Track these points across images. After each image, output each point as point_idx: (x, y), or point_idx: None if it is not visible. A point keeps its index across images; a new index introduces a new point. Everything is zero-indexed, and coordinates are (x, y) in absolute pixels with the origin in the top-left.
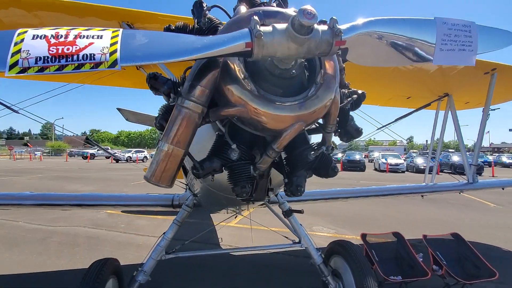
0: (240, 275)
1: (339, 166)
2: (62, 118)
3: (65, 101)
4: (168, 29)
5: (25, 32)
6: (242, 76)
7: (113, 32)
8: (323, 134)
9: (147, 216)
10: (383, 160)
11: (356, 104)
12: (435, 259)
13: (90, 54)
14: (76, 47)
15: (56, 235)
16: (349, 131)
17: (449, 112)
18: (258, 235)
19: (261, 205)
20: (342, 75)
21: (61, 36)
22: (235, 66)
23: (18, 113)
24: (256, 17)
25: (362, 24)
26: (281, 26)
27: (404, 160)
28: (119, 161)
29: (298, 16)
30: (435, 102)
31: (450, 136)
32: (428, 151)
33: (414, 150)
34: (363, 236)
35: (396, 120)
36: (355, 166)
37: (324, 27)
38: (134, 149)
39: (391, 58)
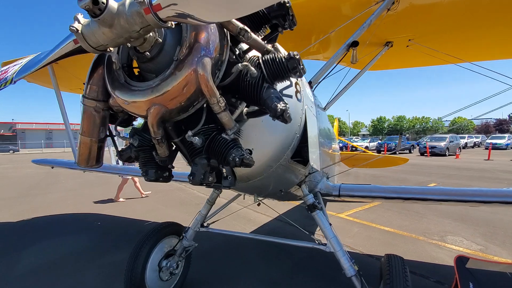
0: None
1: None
2: None
3: None
4: None
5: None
6: (116, 67)
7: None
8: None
9: None
10: None
11: (277, 73)
12: None
13: (4, 77)
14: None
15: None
16: (256, 111)
17: None
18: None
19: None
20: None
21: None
22: (113, 59)
23: None
24: (79, 14)
25: None
26: None
27: None
28: None
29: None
30: None
31: None
32: None
33: None
34: (461, 260)
35: None
36: None
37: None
38: None
39: None
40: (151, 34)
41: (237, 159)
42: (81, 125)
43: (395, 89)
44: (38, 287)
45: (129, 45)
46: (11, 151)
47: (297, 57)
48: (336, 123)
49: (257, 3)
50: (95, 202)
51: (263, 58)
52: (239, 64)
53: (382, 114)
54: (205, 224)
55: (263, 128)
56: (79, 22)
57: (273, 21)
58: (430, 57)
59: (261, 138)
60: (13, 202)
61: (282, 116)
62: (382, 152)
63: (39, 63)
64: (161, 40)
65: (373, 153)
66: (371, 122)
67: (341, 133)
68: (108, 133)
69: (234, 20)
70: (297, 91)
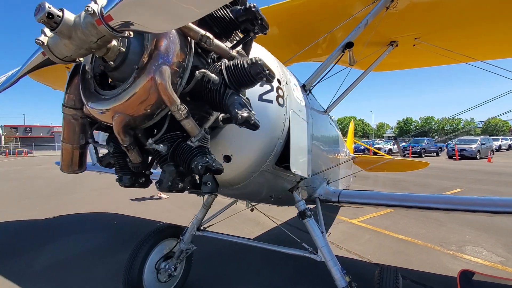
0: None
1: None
2: None
3: None
4: None
5: None
6: (88, 76)
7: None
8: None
9: None
10: None
11: (238, 81)
12: None
13: None
14: None
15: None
16: (230, 117)
17: None
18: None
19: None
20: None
21: None
22: (86, 68)
23: None
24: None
25: None
26: None
27: None
28: None
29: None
30: None
31: None
32: None
33: None
34: (465, 274)
35: None
36: None
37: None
38: None
39: None
40: (114, 43)
41: (200, 167)
42: (62, 132)
43: (421, 88)
44: (50, 283)
45: (97, 55)
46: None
47: (260, 62)
48: (351, 125)
49: (201, 10)
50: (132, 200)
51: (226, 65)
52: (196, 72)
53: (409, 115)
54: (201, 228)
55: (242, 135)
56: (45, 35)
57: (242, 26)
58: (439, 56)
59: (240, 145)
60: (43, 200)
61: (247, 123)
62: (406, 156)
63: (13, 78)
64: (124, 49)
65: (387, 155)
66: (397, 124)
67: (365, 134)
68: (88, 140)
69: (194, 27)
70: (279, 96)
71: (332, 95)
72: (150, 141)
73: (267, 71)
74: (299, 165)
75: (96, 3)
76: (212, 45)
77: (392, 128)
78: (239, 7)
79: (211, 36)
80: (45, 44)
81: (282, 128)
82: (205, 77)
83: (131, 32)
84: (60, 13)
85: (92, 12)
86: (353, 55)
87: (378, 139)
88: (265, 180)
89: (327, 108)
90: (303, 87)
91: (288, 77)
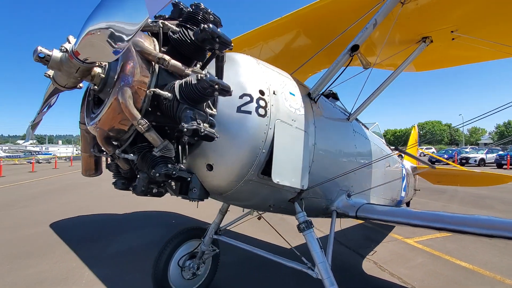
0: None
1: None
2: None
3: None
4: None
5: None
6: (89, 98)
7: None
8: None
9: None
10: None
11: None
12: None
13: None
14: None
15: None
16: (183, 130)
17: None
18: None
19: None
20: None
21: None
22: (89, 92)
23: None
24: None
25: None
26: None
27: None
28: None
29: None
30: None
31: None
32: None
33: None
34: None
35: None
36: None
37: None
38: None
39: None
40: (98, 70)
41: (158, 174)
42: (81, 144)
43: None
44: (117, 266)
45: (87, 81)
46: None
47: (205, 78)
48: (413, 132)
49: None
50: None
51: (180, 83)
52: (147, 91)
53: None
54: (219, 232)
55: (222, 145)
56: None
57: (205, 46)
58: (487, 50)
59: (221, 154)
60: (124, 199)
61: (197, 135)
62: (504, 167)
63: (40, 108)
64: (103, 75)
65: (462, 167)
66: (496, 128)
67: (453, 142)
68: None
69: (152, 51)
70: (259, 107)
71: (360, 100)
72: (117, 151)
73: (216, 86)
74: (285, 175)
75: (69, 42)
76: (169, 66)
77: (489, 133)
78: (197, 29)
79: (167, 58)
80: (51, 76)
81: (264, 138)
82: (159, 95)
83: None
84: (50, 53)
85: (65, 50)
86: (364, 58)
87: (469, 146)
88: (253, 189)
89: (350, 115)
90: (309, 95)
91: (279, 86)
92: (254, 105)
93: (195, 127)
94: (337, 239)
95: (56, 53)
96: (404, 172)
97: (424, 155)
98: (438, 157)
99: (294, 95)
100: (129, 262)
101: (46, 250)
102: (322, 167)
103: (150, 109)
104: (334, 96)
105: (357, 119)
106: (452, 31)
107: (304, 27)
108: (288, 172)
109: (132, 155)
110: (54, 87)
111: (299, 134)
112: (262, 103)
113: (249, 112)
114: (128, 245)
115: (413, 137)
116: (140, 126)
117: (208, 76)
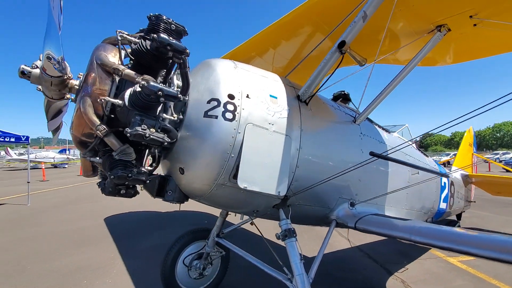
0: None
1: None
2: None
3: None
4: None
5: None
6: None
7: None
8: None
9: None
10: None
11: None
12: None
13: None
14: None
15: None
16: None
17: None
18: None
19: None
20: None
21: None
22: None
23: None
24: None
25: None
26: None
27: None
28: None
29: None
30: None
31: None
32: None
33: None
34: None
35: None
36: None
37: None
38: None
39: None
40: (75, 83)
41: (113, 177)
42: None
43: None
44: (144, 260)
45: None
46: None
47: (147, 85)
48: (467, 134)
49: None
50: None
51: (130, 91)
52: (99, 99)
53: None
54: (221, 235)
55: (190, 149)
56: None
57: (163, 55)
58: None
59: (190, 159)
60: None
61: (141, 139)
62: None
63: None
64: (77, 87)
65: None
66: None
67: None
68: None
69: (108, 62)
70: (227, 111)
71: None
72: (82, 154)
73: (159, 92)
74: (256, 180)
75: (40, 60)
76: (123, 75)
77: None
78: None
79: (121, 68)
80: (41, 90)
81: (232, 143)
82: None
83: (70, 75)
84: (31, 70)
85: (35, 67)
86: (357, 54)
87: None
88: (229, 194)
89: (357, 117)
90: (297, 97)
91: (256, 90)
92: (221, 109)
93: (138, 132)
94: (365, 251)
95: (36, 71)
96: (445, 180)
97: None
98: (493, 162)
99: (276, 97)
100: (156, 257)
101: (94, 241)
102: (312, 172)
103: (112, 116)
104: (345, 97)
105: (371, 121)
106: (471, 16)
107: (310, 22)
108: (259, 177)
109: (98, 158)
110: (47, 99)
111: (277, 138)
112: (230, 107)
113: (215, 117)
114: (159, 241)
115: (467, 140)
116: (98, 132)
117: (151, 83)
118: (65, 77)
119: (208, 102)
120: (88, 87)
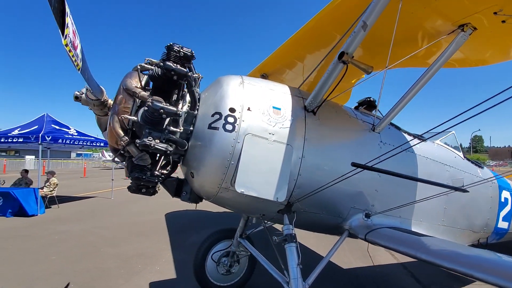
0: None
1: None
2: None
3: None
4: None
5: None
6: None
7: None
8: None
9: None
10: None
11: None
12: None
13: None
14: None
15: None
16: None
17: None
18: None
19: None
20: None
21: None
22: None
23: None
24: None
25: None
26: None
27: None
28: None
29: None
30: None
31: None
32: None
33: None
34: None
35: None
36: None
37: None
38: None
39: None
40: (111, 102)
41: (131, 178)
42: None
43: None
44: (189, 254)
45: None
46: None
47: (151, 104)
48: None
49: None
50: None
51: (142, 109)
52: (120, 116)
53: None
54: (243, 236)
55: (197, 157)
56: None
57: (174, 77)
58: None
59: (198, 165)
60: None
61: (148, 149)
62: None
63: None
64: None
65: None
66: None
67: None
68: None
69: (131, 87)
70: (227, 123)
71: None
72: (111, 158)
73: (160, 110)
74: (253, 186)
75: (81, 90)
76: (138, 96)
77: None
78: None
79: (138, 91)
80: (91, 109)
81: (232, 151)
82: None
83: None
84: (80, 95)
85: (82, 93)
86: (361, 63)
87: None
88: (234, 197)
89: (377, 125)
90: (305, 108)
91: (258, 103)
92: (222, 122)
93: (145, 143)
94: (410, 270)
95: (84, 96)
96: (507, 195)
97: None
98: None
99: (279, 108)
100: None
101: (152, 233)
102: (315, 181)
103: (134, 129)
104: (370, 104)
105: (399, 128)
106: (495, 13)
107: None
108: (257, 183)
109: (124, 162)
110: (96, 116)
111: (277, 147)
112: (230, 119)
113: (217, 128)
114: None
115: None
116: (122, 142)
117: (155, 103)
118: (102, 99)
119: (212, 115)
120: (116, 106)
